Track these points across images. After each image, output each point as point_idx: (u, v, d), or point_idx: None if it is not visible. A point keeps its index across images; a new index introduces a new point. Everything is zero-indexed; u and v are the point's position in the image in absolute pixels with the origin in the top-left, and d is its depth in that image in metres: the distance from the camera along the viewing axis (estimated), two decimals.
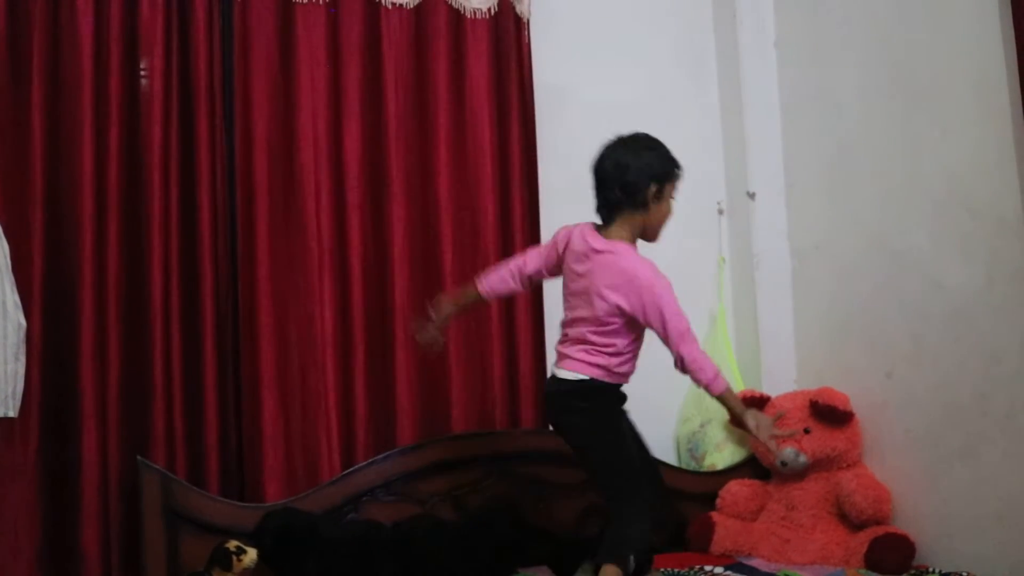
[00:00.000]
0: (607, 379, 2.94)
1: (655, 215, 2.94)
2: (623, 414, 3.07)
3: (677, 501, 3.69)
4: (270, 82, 3.56)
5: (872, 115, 3.60)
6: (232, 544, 2.99)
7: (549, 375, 3.08)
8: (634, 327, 2.92)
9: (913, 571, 3.20)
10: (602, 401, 2.97)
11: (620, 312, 2.86)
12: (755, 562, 3.41)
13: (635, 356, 3.00)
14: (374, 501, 3.37)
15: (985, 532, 3.15)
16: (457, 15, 3.79)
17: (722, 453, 3.85)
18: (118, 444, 3.27)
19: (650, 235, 2.98)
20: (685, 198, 4.06)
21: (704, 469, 3.86)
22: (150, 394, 3.30)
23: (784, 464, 3.57)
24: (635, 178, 2.90)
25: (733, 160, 4.12)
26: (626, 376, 3.00)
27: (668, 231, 4.01)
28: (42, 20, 3.32)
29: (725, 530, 3.53)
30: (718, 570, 3.31)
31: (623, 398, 3.04)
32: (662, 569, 3.23)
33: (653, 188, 2.90)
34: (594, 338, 2.91)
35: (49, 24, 3.34)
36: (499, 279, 3.17)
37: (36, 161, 3.27)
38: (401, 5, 3.72)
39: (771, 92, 4.08)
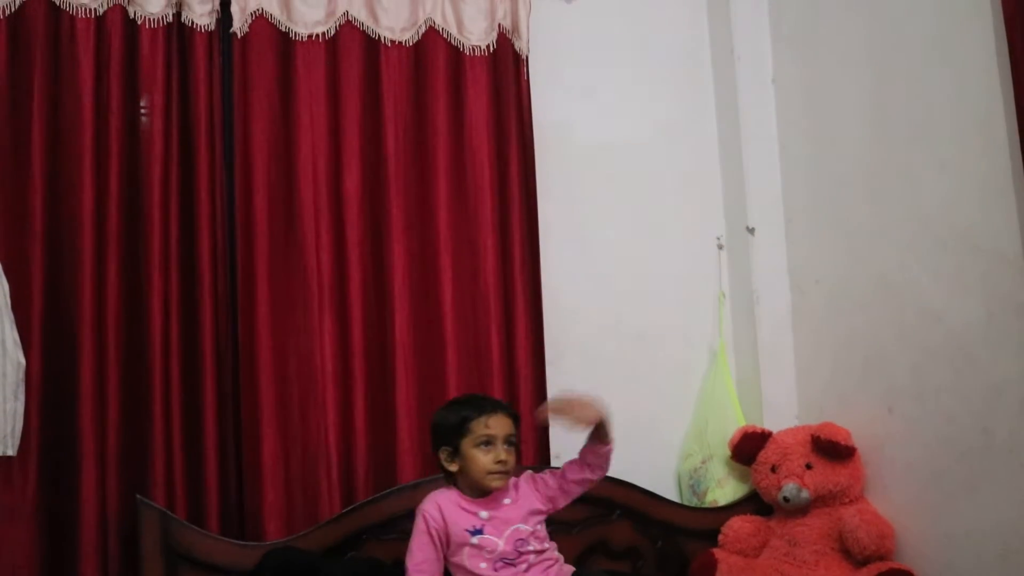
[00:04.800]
0: None
1: (466, 468, 2.92)
2: None
3: (679, 538, 3.67)
4: (270, 120, 3.57)
5: (870, 150, 3.61)
6: None
7: None
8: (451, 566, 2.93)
9: None
10: None
11: None
12: None
13: None
14: (375, 539, 3.34)
15: (988, 567, 3.13)
16: (456, 52, 3.81)
17: (724, 489, 3.83)
18: (117, 483, 3.25)
19: (476, 485, 2.93)
20: (685, 233, 4.11)
21: (706, 505, 3.84)
22: (149, 433, 3.29)
23: (786, 500, 3.56)
24: (432, 449, 3.02)
25: (732, 195, 4.12)
26: None
27: (668, 268, 4.06)
28: (43, 57, 3.34)
29: (728, 567, 3.50)
30: None
31: None
32: None
33: (444, 454, 2.95)
34: None
35: (50, 61, 3.36)
36: None
37: (36, 198, 3.28)
38: (400, 43, 3.74)
39: (769, 128, 4.09)
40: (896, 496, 3.49)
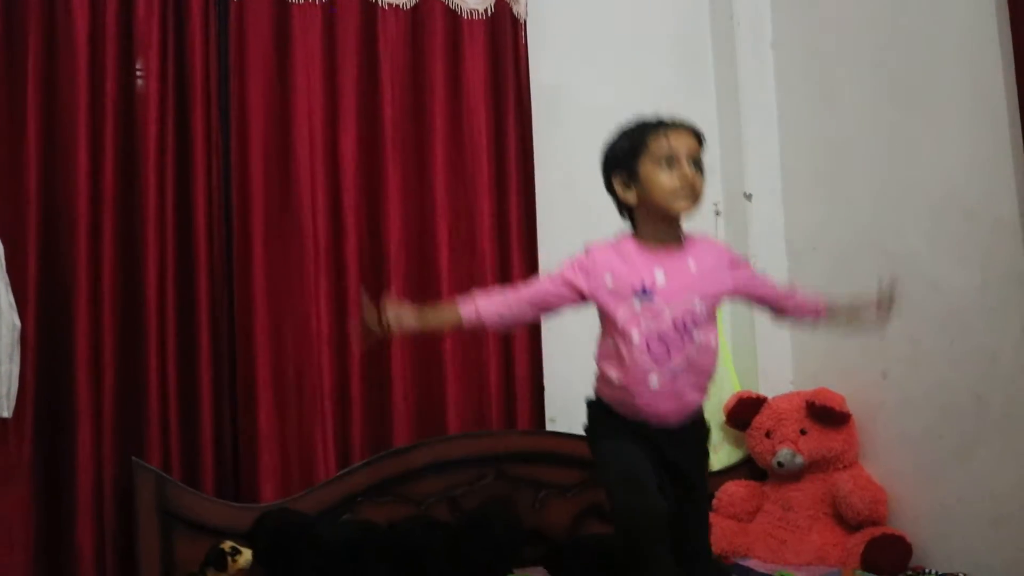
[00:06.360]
0: (597, 391, 2.63)
1: (647, 195, 2.49)
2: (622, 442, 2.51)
3: None
4: (266, 82, 3.56)
5: (868, 117, 3.60)
6: (227, 545, 2.99)
7: None
8: (603, 321, 2.57)
9: (909, 572, 3.19)
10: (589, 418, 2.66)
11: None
12: (751, 563, 3.40)
13: (616, 362, 2.51)
14: (369, 502, 3.36)
15: (981, 533, 3.15)
16: (454, 16, 3.79)
17: (718, 454, 3.84)
18: (113, 445, 3.26)
19: (660, 210, 2.49)
20: None
21: None
22: (145, 395, 3.30)
23: (781, 465, 3.57)
24: (605, 182, 2.62)
25: (730, 161, 4.10)
26: (615, 390, 2.53)
27: None
28: (37, 20, 3.32)
29: (722, 531, 3.52)
30: None
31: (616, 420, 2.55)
32: None
33: (619, 181, 2.55)
34: None
35: (44, 24, 3.34)
36: None
37: (31, 161, 3.27)
38: (397, 6, 3.72)
39: (768, 93, 4.08)
40: (890, 462, 3.50)
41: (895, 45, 3.48)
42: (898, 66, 3.46)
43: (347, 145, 3.62)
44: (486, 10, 3.81)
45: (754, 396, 3.77)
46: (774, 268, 3.98)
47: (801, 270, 3.94)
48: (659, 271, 2.48)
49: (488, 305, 2.54)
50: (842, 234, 3.73)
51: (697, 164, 2.51)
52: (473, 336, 3.68)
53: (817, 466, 3.57)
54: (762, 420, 3.69)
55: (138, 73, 3.45)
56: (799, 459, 3.56)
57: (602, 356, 2.57)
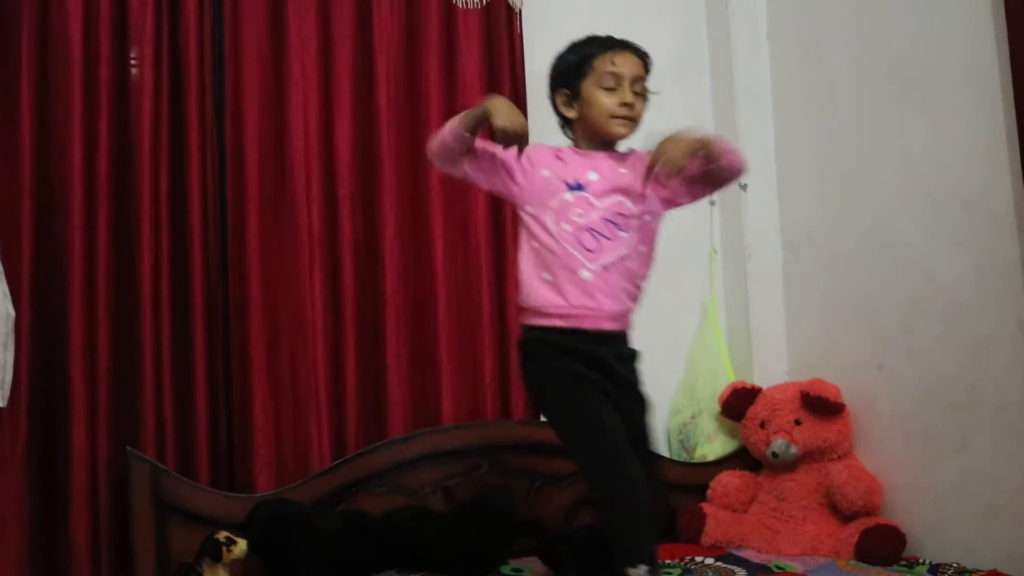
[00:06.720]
0: (526, 321, 2.64)
1: (586, 114, 2.62)
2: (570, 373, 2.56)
3: (668, 492, 3.69)
4: (261, 71, 3.54)
5: (864, 107, 3.60)
6: (222, 535, 2.98)
7: None
8: (528, 225, 2.62)
9: (903, 562, 3.20)
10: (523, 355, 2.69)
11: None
12: (746, 553, 3.41)
13: (545, 262, 2.57)
14: (364, 492, 3.36)
15: (975, 524, 3.16)
16: (449, 5, 3.78)
17: (713, 444, 3.85)
18: (108, 435, 3.25)
19: (598, 131, 2.62)
20: None
21: (695, 460, 3.86)
22: (140, 385, 3.29)
23: (775, 455, 3.58)
24: (549, 100, 2.72)
25: None
26: (545, 292, 2.57)
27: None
28: (31, 9, 3.30)
29: (716, 521, 3.53)
30: (709, 561, 3.31)
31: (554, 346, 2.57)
32: None
33: (561, 97, 2.67)
34: None
35: (38, 13, 3.32)
36: None
37: (25, 151, 3.25)
38: None
39: (763, 84, 4.08)
40: (884, 452, 3.51)
41: (891, 36, 3.48)
42: (894, 57, 3.46)
43: (342, 135, 3.61)
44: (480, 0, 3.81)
45: (749, 386, 3.77)
46: (769, 258, 3.99)
47: (796, 261, 3.95)
48: (592, 172, 2.60)
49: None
50: (837, 224, 3.73)
51: (640, 90, 2.63)
52: (469, 328, 3.68)
53: (811, 456, 3.58)
54: (756, 410, 3.69)
55: (132, 62, 3.43)
56: (793, 449, 3.56)
57: (527, 264, 2.62)
